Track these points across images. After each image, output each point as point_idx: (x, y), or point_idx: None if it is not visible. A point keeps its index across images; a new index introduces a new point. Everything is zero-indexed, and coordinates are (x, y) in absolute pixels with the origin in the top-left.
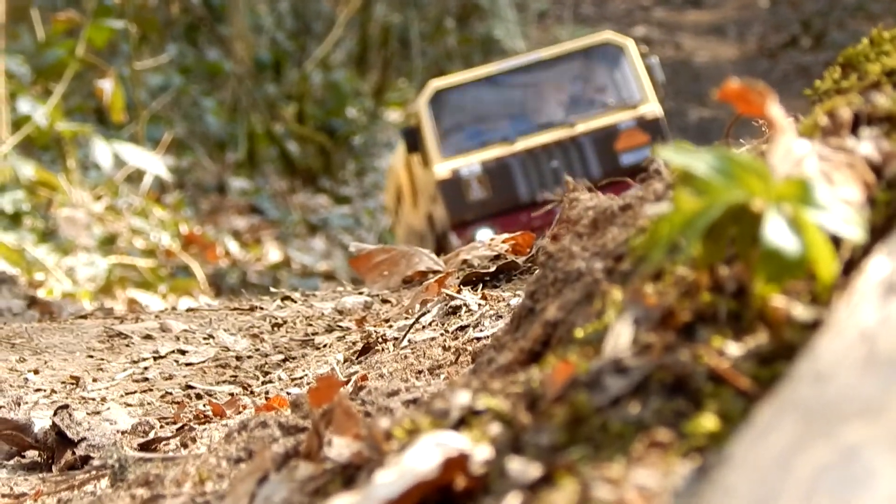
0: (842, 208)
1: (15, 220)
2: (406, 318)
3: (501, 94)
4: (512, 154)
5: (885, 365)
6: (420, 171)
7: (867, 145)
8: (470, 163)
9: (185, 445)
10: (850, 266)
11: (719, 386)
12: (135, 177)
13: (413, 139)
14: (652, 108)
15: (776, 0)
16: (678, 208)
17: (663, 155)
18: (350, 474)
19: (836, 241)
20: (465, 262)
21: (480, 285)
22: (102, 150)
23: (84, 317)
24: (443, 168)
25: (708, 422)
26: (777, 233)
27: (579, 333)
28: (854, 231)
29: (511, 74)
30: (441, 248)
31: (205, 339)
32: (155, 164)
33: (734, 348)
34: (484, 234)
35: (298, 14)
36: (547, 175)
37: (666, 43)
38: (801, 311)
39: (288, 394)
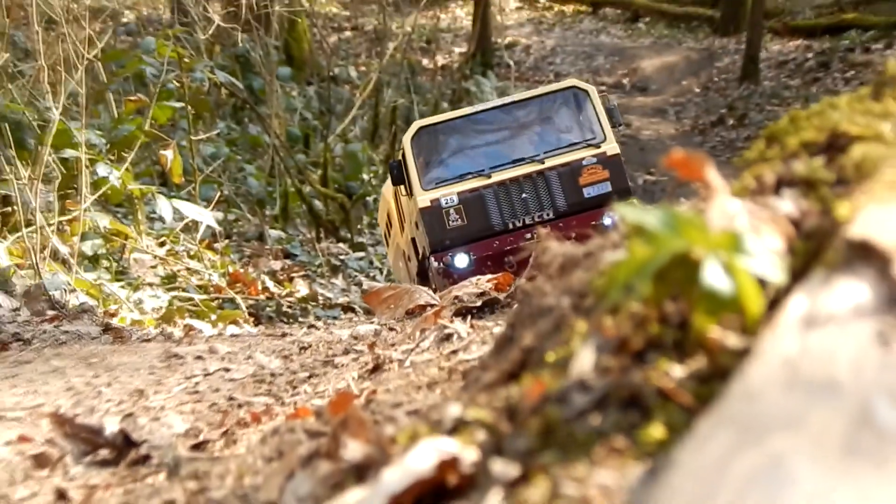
0: (767, 256)
1: (94, 261)
2: (408, 343)
3: (479, 132)
4: (486, 186)
5: (805, 386)
6: (405, 200)
7: (788, 204)
8: (449, 194)
9: (228, 447)
10: (774, 304)
11: (666, 402)
12: (191, 227)
13: (399, 172)
14: (612, 146)
15: (707, 87)
16: (632, 255)
17: (620, 211)
18: (362, 472)
19: (763, 283)
20: (456, 297)
21: (469, 317)
22: (165, 206)
23: (147, 340)
24: (424, 198)
25: (657, 431)
26: (714, 276)
27: (550, 358)
28: (777, 274)
29: (487, 114)
30: (423, 269)
31: (245, 359)
32: (207, 217)
33: (678, 370)
34: (461, 258)
35: (323, 98)
36: (517, 205)
37: None
38: (733, 341)
39: (312, 405)
